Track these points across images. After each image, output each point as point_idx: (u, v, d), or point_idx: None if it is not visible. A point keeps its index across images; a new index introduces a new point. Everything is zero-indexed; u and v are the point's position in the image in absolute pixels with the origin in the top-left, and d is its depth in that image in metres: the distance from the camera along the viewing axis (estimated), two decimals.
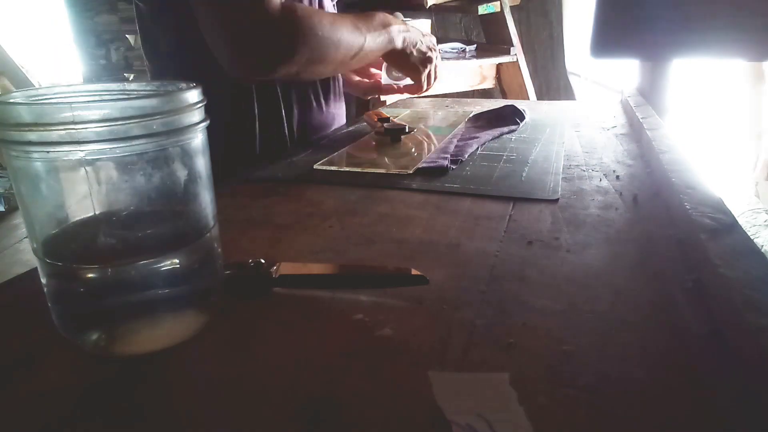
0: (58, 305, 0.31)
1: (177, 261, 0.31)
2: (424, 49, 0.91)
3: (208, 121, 0.32)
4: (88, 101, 0.31)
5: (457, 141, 0.76)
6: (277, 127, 0.83)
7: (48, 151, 0.27)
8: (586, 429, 0.25)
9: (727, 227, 0.39)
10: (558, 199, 0.54)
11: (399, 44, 0.85)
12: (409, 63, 0.89)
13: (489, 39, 2.24)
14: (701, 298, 0.35)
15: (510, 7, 2.03)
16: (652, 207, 0.52)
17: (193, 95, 0.31)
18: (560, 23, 2.44)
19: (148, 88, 0.34)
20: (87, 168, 0.28)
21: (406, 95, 1.13)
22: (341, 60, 0.73)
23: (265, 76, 0.69)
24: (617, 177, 0.61)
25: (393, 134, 0.78)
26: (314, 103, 0.88)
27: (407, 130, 0.78)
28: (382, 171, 0.64)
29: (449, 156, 0.68)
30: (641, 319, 0.34)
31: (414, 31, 0.90)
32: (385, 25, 0.82)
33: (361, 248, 0.45)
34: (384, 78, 0.98)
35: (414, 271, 0.38)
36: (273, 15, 0.64)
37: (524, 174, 0.63)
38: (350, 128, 0.92)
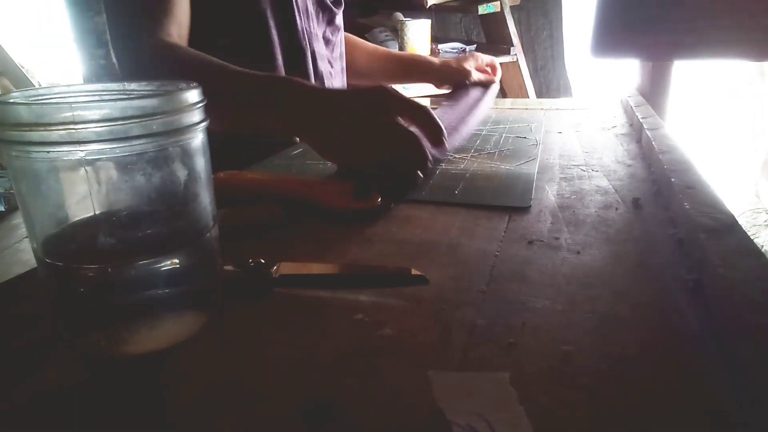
0: (57, 305, 0.31)
1: (177, 261, 0.31)
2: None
3: (208, 121, 0.32)
4: (88, 101, 0.31)
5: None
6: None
7: (48, 151, 0.27)
8: (586, 429, 0.25)
9: (727, 227, 0.39)
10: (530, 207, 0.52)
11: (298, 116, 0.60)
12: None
13: (489, 39, 2.24)
14: (701, 298, 0.35)
15: (510, 7, 2.04)
16: (652, 207, 0.52)
17: (193, 95, 0.31)
18: (560, 23, 2.44)
19: (148, 88, 0.34)
20: (87, 168, 0.28)
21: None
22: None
23: None
24: (617, 177, 0.61)
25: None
26: None
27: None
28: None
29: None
30: (641, 319, 0.34)
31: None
32: (278, 83, 0.64)
33: (361, 248, 0.45)
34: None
35: (414, 271, 0.38)
36: (149, 52, 0.68)
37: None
38: None
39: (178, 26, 0.72)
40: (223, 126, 0.62)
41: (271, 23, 0.77)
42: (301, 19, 0.81)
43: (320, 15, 0.88)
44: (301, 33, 0.82)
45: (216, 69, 0.65)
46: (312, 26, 0.85)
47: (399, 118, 0.57)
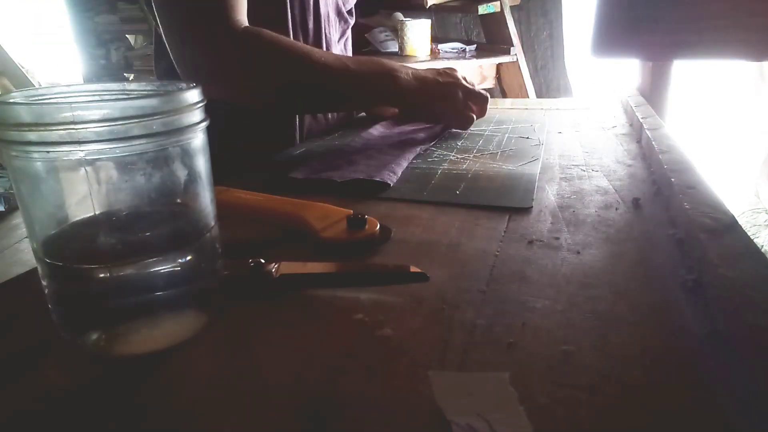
0: (57, 305, 0.31)
1: (177, 261, 0.31)
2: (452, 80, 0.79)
3: (208, 121, 0.32)
4: (88, 101, 0.31)
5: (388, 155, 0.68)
6: (286, 131, 0.84)
7: (48, 151, 0.27)
8: (586, 429, 0.25)
9: (727, 227, 0.39)
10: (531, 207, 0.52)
11: (409, 79, 0.74)
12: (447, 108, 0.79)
13: (489, 39, 2.24)
14: (701, 298, 0.35)
15: (510, 7, 2.03)
16: (652, 207, 0.52)
17: (193, 95, 0.31)
18: (560, 23, 2.44)
19: (148, 88, 0.34)
20: (87, 168, 0.28)
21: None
22: (328, 89, 0.70)
23: (242, 102, 0.70)
24: (617, 177, 0.61)
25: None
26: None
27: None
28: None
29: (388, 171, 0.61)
30: (641, 319, 0.34)
31: (429, 72, 0.80)
32: (375, 61, 0.75)
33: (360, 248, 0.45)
34: None
35: (413, 269, 0.38)
36: (234, 40, 0.62)
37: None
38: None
39: (244, 9, 0.67)
40: (308, 111, 0.81)
41: (293, 24, 0.78)
42: (323, 25, 0.83)
43: (338, 24, 0.89)
44: (324, 39, 0.84)
45: (315, 57, 0.68)
46: (331, 33, 0.87)
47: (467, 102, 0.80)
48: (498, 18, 2.05)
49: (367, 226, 0.45)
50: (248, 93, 0.68)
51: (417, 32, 1.96)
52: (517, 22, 2.16)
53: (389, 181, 0.59)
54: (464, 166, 0.66)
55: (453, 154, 0.72)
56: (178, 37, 0.64)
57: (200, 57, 0.64)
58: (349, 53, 0.97)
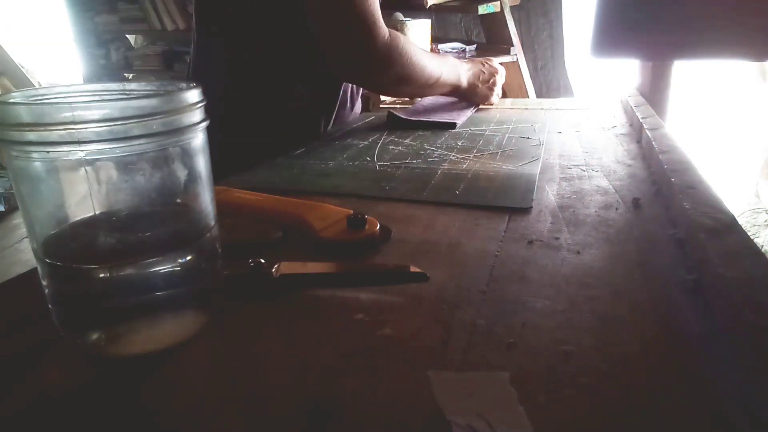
0: (58, 305, 0.31)
1: (177, 261, 0.31)
2: (487, 77, 1.07)
3: (208, 121, 0.32)
4: (88, 101, 0.31)
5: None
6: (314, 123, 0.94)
7: (48, 151, 0.27)
8: (586, 429, 0.25)
9: (727, 227, 0.39)
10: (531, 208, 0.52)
11: (465, 83, 1.02)
12: (477, 96, 1.06)
13: (489, 39, 2.24)
14: (701, 298, 0.35)
15: (510, 7, 2.03)
16: (652, 207, 0.52)
17: (193, 95, 0.31)
18: (560, 23, 2.44)
19: (148, 88, 0.34)
20: (87, 168, 0.28)
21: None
22: (421, 85, 0.92)
23: (359, 84, 0.98)
24: (617, 177, 0.61)
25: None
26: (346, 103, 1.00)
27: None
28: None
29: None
30: (641, 319, 0.34)
31: (475, 65, 1.06)
32: (455, 65, 1.00)
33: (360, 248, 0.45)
34: None
35: (413, 268, 0.38)
36: (380, 46, 0.79)
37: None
38: (354, 126, 0.92)
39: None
40: (413, 94, 1.09)
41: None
42: None
43: None
44: None
45: (426, 53, 0.89)
46: None
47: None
48: (498, 18, 2.05)
49: (367, 226, 0.45)
50: (377, 85, 0.92)
51: (417, 32, 1.95)
52: (517, 22, 2.15)
53: (457, 121, 0.90)
54: (464, 166, 0.66)
55: (453, 154, 0.72)
56: (332, 39, 0.79)
57: (351, 59, 0.81)
58: None
